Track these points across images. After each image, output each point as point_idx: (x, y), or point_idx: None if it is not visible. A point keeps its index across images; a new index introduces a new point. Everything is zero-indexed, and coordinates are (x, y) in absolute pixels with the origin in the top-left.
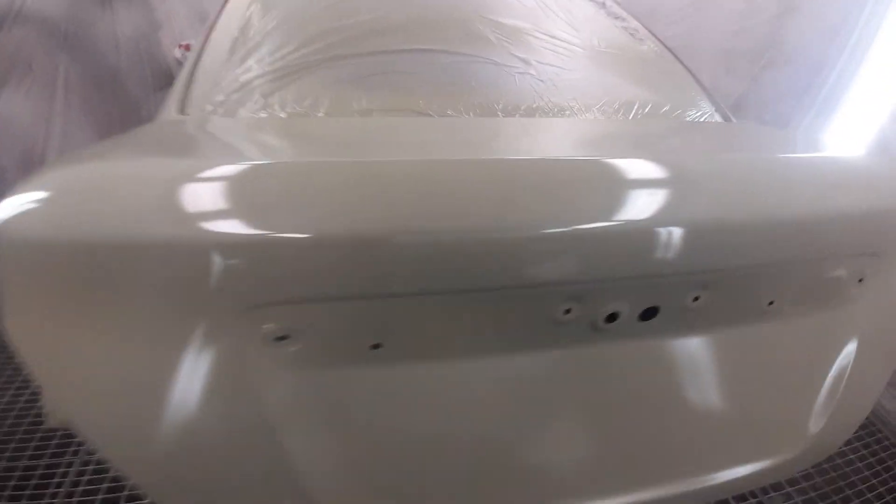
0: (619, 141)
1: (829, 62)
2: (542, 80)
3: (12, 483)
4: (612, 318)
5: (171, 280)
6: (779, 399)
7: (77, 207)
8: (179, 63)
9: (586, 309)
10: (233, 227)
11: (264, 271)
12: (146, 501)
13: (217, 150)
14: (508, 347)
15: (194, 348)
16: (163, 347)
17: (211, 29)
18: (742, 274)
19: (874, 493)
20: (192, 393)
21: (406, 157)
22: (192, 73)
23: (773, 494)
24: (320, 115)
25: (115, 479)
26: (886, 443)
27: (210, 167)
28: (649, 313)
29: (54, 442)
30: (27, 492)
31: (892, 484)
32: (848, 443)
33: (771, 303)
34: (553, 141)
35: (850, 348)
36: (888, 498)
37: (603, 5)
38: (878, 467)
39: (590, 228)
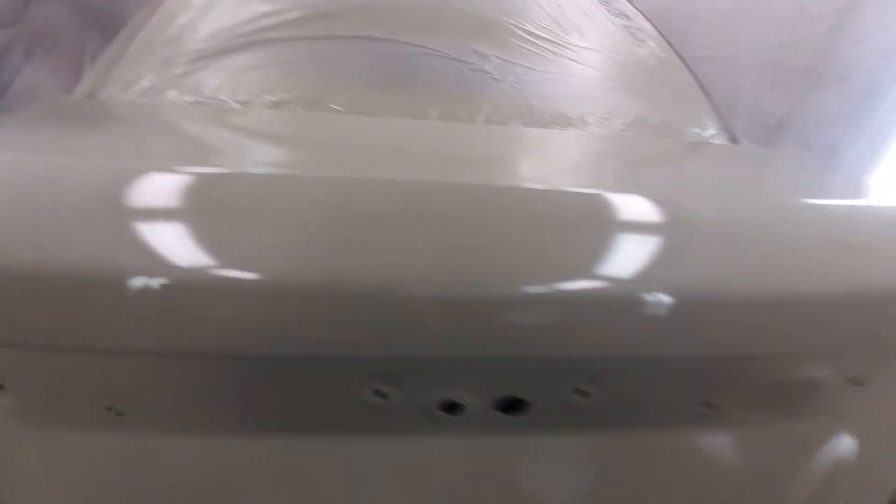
0: (496, 160)
1: (884, 84)
2: (497, 80)
3: None
4: (453, 407)
5: None
6: None
7: None
8: None
9: (410, 394)
10: None
11: None
12: None
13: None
14: (304, 430)
15: None
16: None
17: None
18: (647, 369)
19: None
20: None
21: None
22: (118, 51)
23: None
24: (234, 105)
25: None
26: None
27: None
28: (511, 405)
29: None
30: None
31: None
32: None
33: (706, 404)
34: (419, 155)
35: (840, 473)
36: None
37: (607, 2)
38: None
39: (383, 282)
